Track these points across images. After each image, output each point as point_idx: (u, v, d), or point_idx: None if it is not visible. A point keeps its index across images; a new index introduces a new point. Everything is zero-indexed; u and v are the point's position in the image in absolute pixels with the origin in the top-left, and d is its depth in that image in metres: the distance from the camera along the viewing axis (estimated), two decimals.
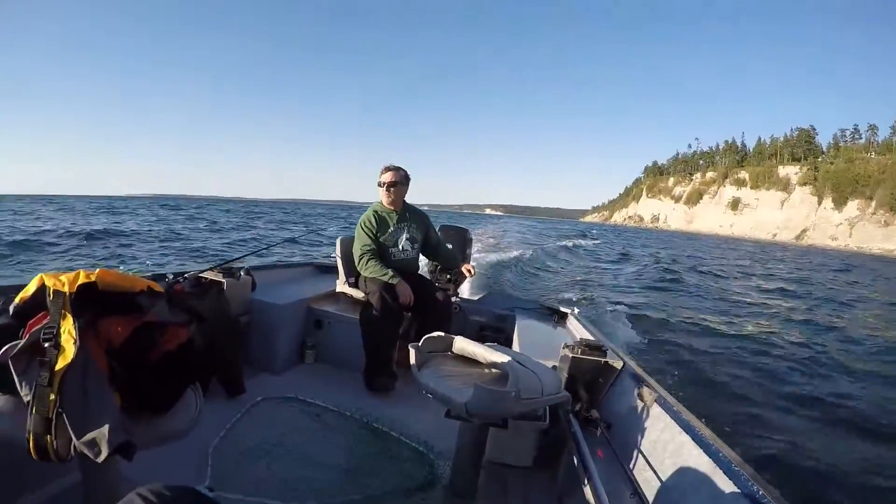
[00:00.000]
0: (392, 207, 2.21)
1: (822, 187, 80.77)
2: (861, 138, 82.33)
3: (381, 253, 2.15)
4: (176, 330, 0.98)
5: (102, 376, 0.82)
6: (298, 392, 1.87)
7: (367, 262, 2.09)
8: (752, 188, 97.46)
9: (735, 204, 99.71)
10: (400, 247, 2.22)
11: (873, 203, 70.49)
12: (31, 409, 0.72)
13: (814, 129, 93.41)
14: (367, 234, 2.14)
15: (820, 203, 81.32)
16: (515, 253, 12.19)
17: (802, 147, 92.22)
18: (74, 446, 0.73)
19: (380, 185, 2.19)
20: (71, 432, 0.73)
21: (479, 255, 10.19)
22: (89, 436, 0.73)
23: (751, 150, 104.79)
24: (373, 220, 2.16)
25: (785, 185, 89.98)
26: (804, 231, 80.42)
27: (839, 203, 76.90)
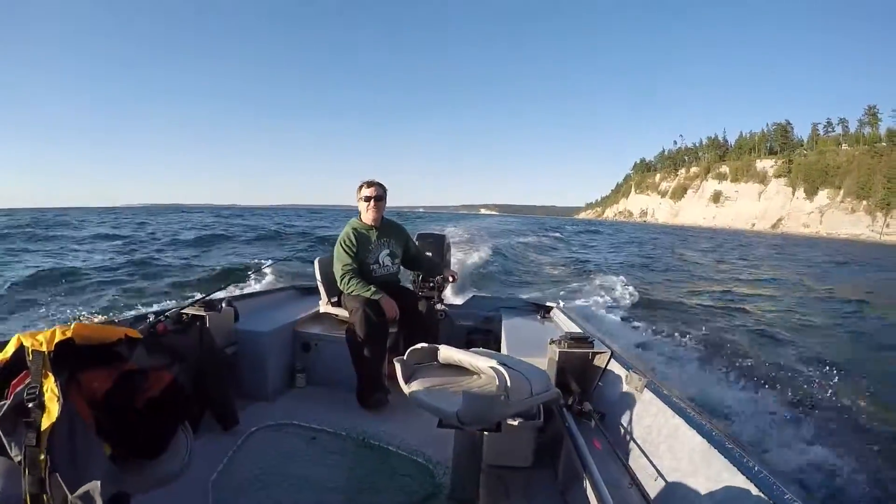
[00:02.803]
0: (372, 223, 2.20)
1: (796, 179, 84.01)
2: (834, 131, 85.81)
3: (361, 270, 2.15)
4: (157, 374, 0.99)
5: (89, 429, 0.82)
6: (293, 417, 1.86)
7: (349, 281, 2.08)
8: (732, 181, 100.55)
9: (717, 197, 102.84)
10: (381, 263, 2.22)
11: (841, 192, 73.74)
12: (24, 471, 0.73)
13: (789, 124, 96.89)
14: (346, 252, 2.13)
15: (794, 193, 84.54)
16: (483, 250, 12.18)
17: (779, 141, 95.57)
18: (70, 502, 0.73)
19: (365, 199, 2.17)
20: (64, 489, 0.73)
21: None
22: (82, 490, 0.73)
23: (732, 144, 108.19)
24: (352, 238, 2.15)
25: (762, 178, 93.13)
26: (779, 220, 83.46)
27: (810, 193, 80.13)
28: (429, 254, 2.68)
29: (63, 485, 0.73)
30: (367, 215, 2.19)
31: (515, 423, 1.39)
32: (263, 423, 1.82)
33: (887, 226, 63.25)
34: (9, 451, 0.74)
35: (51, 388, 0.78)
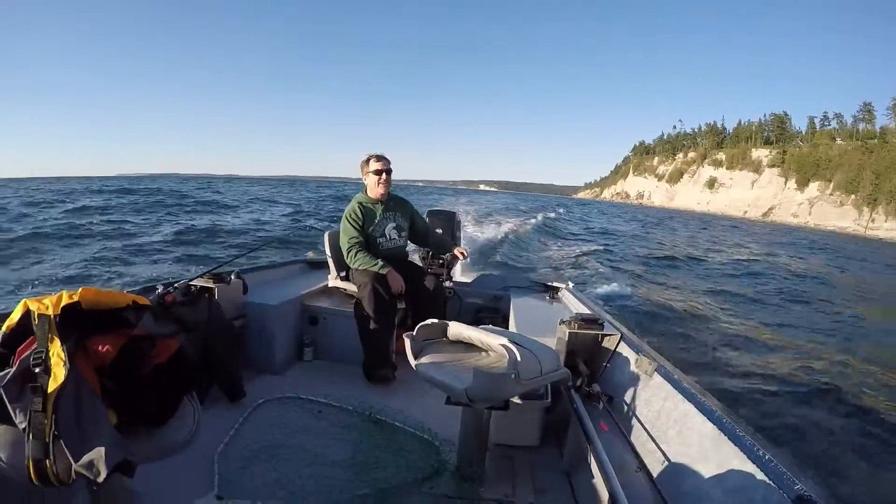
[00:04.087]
0: (379, 197, 2.18)
1: (789, 169, 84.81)
2: (830, 125, 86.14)
3: (368, 244, 2.13)
4: (164, 342, 0.97)
5: (95, 395, 0.82)
6: (299, 391, 1.86)
7: (355, 255, 2.07)
8: (727, 168, 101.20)
9: (712, 183, 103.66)
10: (388, 236, 2.21)
11: (831, 185, 74.89)
12: (28, 436, 0.72)
13: (787, 115, 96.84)
14: (353, 226, 2.11)
15: (786, 184, 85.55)
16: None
17: (776, 131, 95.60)
18: (74, 469, 0.73)
19: (375, 172, 2.14)
20: (68, 455, 0.72)
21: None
22: (87, 457, 0.73)
23: (730, 132, 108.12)
24: (358, 212, 2.13)
25: (757, 167, 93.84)
26: (771, 209, 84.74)
27: (802, 184, 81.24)
28: (439, 230, 2.65)
29: (67, 452, 0.72)
30: (377, 189, 2.16)
31: (523, 402, 1.39)
32: (270, 395, 1.82)
33: (872, 221, 64.76)
34: (14, 417, 0.73)
35: (57, 352, 0.77)
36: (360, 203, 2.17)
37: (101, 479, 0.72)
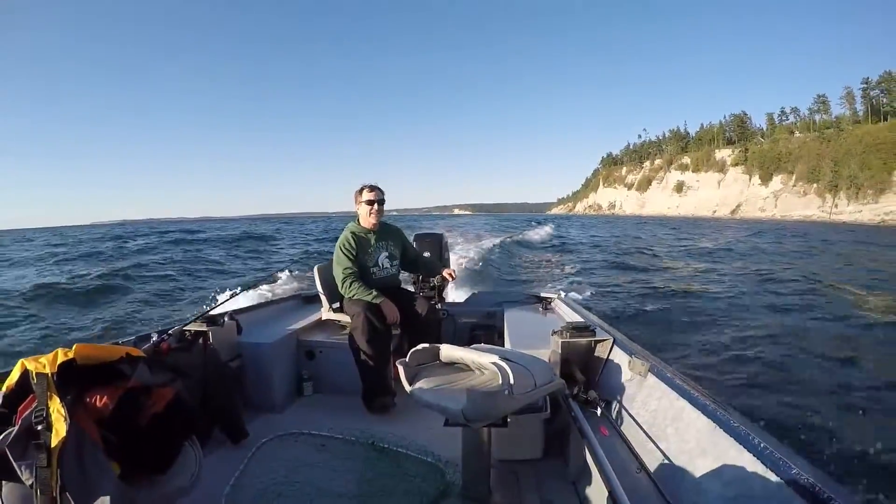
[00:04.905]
0: (371, 227, 2.21)
1: (752, 166, 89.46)
2: (788, 119, 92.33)
3: (362, 273, 2.15)
4: (160, 391, 1.00)
5: (97, 448, 0.84)
6: (301, 426, 1.86)
7: (350, 285, 2.08)
8: (693, 171, 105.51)
9: (679, 187, 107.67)
10: (381, 265, 2.23)
11: (794, 177, 79.25)
12: (36, 492, 0.74)
13: (745, 114, 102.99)
14: (346, 256, 2.13)
15: (750, 180, 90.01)
16: None
17: (736, 131, 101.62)
18: None
19: (367, 203, 2.18)
20: None
21: None
22: None
23: (693, 135, 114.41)
24: (352, 242, 2.16)
25: (721, 167, 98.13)
26: (738, 206, 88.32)
27: (765, 179, 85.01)
28: (427, 253, 2.69)
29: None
30: (369, 219, 2.19)
31: (522, 416, 1.38)
32: (273, 433, 1.81)
33: (836, 206, 68.07)
34: (20, 475, 0.75)
35: (57, 408, 0.79)
36: (353, 233, 2.19)
37: None
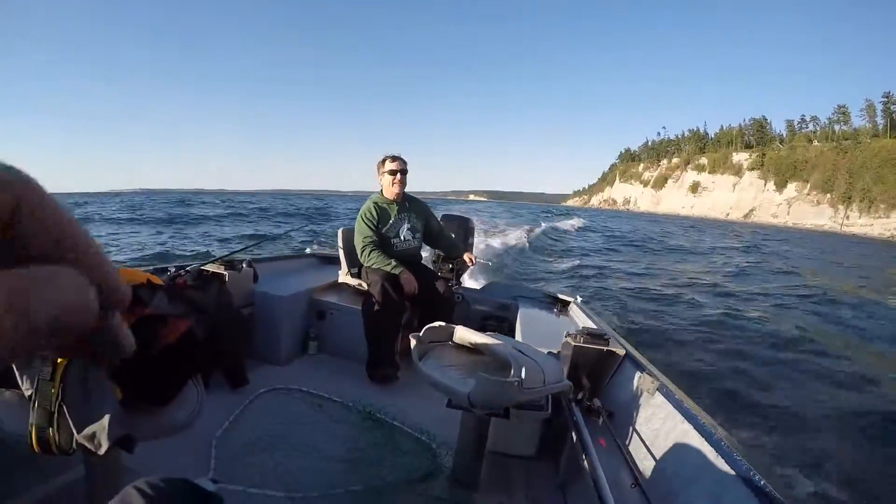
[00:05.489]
0: (394, 198, 2.19)
1: (768, 172, 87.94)
2: (807, 127, 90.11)
3: (382, 244, 2.14)
4: (175, 322, 0.96)
5: (102, 369, 0.80)
6: (301, 383, 1.86)
7: (369, 254, 2.07)
8: (709, 173, 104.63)
9: (695, 187, 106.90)
10: (402, 237, 2.21)
11: (808, 185, 77.89)
12: (33, 403, 0.73)
13: (766, 119, 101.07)
14: (368, 225, 2.12)
15: (765, 186, 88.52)
16: None
17: (755, 135, 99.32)
18: (76, 440, 0.73)
19: (390, 173, 2.16)
20: (72, 426, 0.73)
21: None
22: (90, 429, 0.73)
23: (712, 137, 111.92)
24: (374, 212, 2.14)
25: (737, 170, 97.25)
26: (751, 210, 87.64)
27: (780, 185, 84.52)
28: (452, 235, 2.65)
29: (71, 422, 0.73)
30: (392, 189, 2.17)
31: (523, 411, 1.37)
32: (272, 385, 1.82)
33: (847, 218, 67.31)
34: (20, 384, 0.74)
35: None
36: (376, 203, 2.17)
37: (102, 451, 0.72)
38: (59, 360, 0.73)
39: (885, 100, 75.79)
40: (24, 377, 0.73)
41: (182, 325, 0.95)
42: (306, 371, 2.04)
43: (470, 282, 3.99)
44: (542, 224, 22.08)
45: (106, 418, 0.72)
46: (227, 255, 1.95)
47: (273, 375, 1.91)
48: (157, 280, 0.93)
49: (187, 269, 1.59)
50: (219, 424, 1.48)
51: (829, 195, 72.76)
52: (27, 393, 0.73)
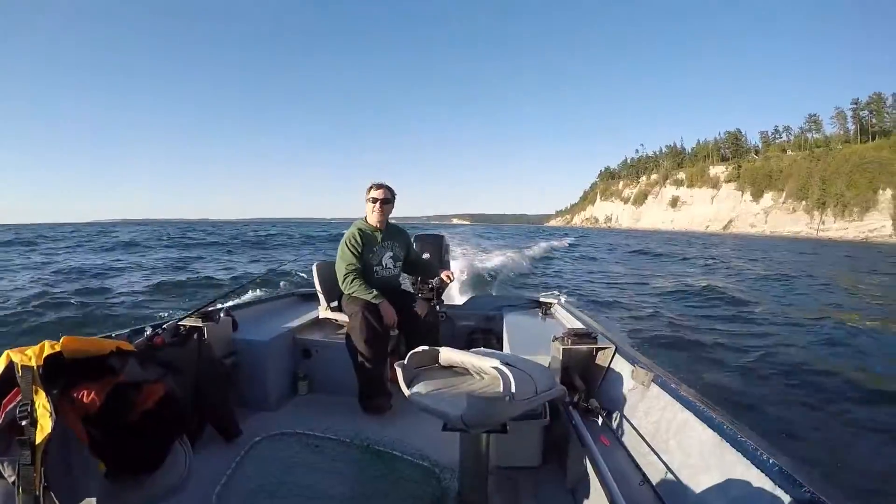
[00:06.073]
0: (378, 225, 2.20)
1: (744, 183, 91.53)
2: (781, 137, 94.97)
3: (364, 271, 2.13)
4: (151, 387, 0.97)
5: (83, 446, 0.81)
6: (295, 426, 1.83)
7: (351, 282, 2.06)
8: (688, 187, 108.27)
9: (674, 202, 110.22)
10: (384, 264, 2.21)
11: (784, 194, 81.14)
12: (18, 489, 0.71)
13: (740, 132, 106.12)
14: (351, 252, 2.11)
15: (742, 197, 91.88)
16: None
17: (731, 148, 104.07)
18: None
19: (371, 200, 2.17)
20: None
21: None
22: None
23: (689, 151, 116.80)
24: (358, 238, 2.14)
25: (715, 183, 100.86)
26: (730, 221, 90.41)
27: (757, 196, 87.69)
28: (427, 255, 2.67)
29: (57, 502, 0.71)
30: (373, 217, 2.18)
31: (521, 422, 1.37)
32: (266, 432, 1.78)
33: (822, 223, 69.86)
34: (2, 471, 0.72)
35: (42, 403, 0.76)
36: (360, 229, 2.17)
37: None
38: (37, 442, 0.72)
39: (854, 106, 79.83)
40: (5, 464, 0.72)
41: (159, 389, 0.94)
42: (299, 412, 2.00)
43: (456, 297, 3.95)
44: (542, 243, 24.26)
45: (93, 499, 0.72)
46: (202, 307, 1.91)
47: (266, 421, 1.88)
48: (127, 346, 0.93)
49: (164, 326, 1.57)
50: (217, 480, 1.43)
51: (804, 202, 75.68)
52: (10, 479, 0.71)
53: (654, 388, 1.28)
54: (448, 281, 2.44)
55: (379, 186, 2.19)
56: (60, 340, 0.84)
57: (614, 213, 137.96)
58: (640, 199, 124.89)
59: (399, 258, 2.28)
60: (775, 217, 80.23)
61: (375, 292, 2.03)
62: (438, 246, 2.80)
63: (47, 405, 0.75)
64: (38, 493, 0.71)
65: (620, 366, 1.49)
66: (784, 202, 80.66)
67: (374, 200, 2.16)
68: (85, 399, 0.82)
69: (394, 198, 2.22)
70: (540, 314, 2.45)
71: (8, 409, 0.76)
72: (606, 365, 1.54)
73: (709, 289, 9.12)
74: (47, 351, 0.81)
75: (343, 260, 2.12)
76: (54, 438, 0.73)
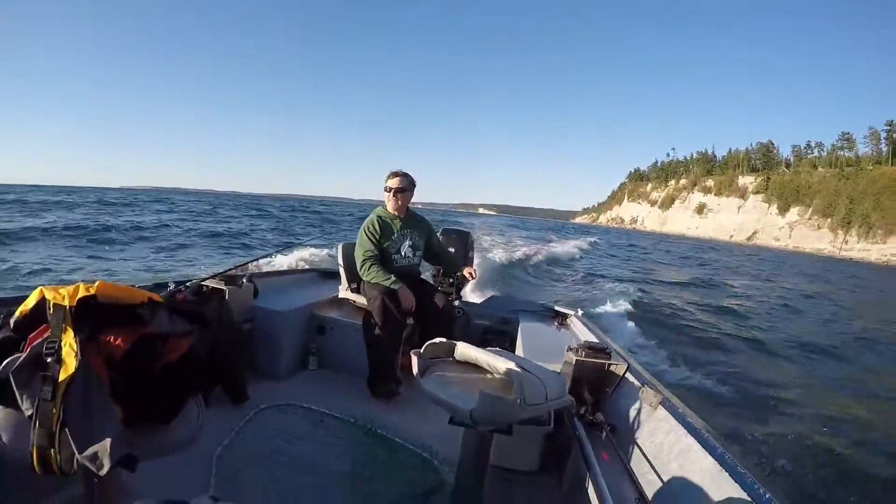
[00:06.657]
0: (396, 213, 2.18)
1: (771, 195, 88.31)
2: (812, 153, 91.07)
3: (383, 258, 2.13)
4: (177, 341, 0.97)
5: (104, 389, 0.82)
6: (302, 399, 1.86)
7: (369, 268, 2.06)
8: (715, 195, 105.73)
9: (701, 209, 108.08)
10: (403, 253, 2.20)
11: (810, 210, 78.10)
12: (34, 423, 0.72)
13: (773, 144, 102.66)
14: (369, 239, 2.11)
15: (768, 209, 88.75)
16: None
17: (761, 159, 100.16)
18: (77, 460, 0.72)
19: (387, 189, 2.16)
20: (73, 446, 0.72)
21: None
22: (91, 449, 0.72)
23: (720, 159, 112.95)
24: (376, 226, 2.13)
25: (743, 193, 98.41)
26: (754, 233, 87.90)
27: (783, 209, 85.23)
28: (452, 249, 2.66)
29: (72, 443, 0.72)
30: (390, 205, 2.18)
31: (525, 426, 1.35)
32: (273, 401, 1.81)
33: (846, 242, 67.34)
34: (20, 403, 0.73)
35: (69, 342, 0.77)
36: (380, 216, 2.17)
37: (103, 471, 0.71)
38: (59, 380, 0.73)
39: (889, 128, 76.51)
40: (25, 397, 0.72)
41: (184, 344, 0.95)
42: (307, 386, 2.03)
43: (471, 295, 3.94)
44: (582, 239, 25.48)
45: (108, 439, 0.72)
46: (226, 271, 1.93)
47: (273, 391, 1.90)
48: (158, 298, 0.93)
49: (187, 284, 1.57)
50: (219, 441, 1.47)
51: (829, 220, 72.90)
52: (27, 413, 0.72)
53: (662, 411, 1.27)
54: (470, 278, 2.43)
55: (395, 175, 2.17)
56: (95, 284, 0.84)
57: (640, 214, 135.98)
58: (668, 202, 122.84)
59: (419, 247, 2.27)
60: (799, 232, 77.99)
61: (394, 278, 2.02)
62: (464, 242, 2.78)
63: (74, 345, 0.76)
64: (54, 429, 0.72)
65: (630, 384, 1.48)
66: (810, 218, 77.88)
67: (390, 189, 2.15)
68: (112, 344, 0.83)
69: (412, 187, 2.19)
70: (556, 324, 2.44)
71: (34, 343, 0.76)
72: (617, 381, 1.53)
73: None
74: (81, 293, 0.81)
75: (361, 246, 2.12)
76: (77, 378, 0.74)
